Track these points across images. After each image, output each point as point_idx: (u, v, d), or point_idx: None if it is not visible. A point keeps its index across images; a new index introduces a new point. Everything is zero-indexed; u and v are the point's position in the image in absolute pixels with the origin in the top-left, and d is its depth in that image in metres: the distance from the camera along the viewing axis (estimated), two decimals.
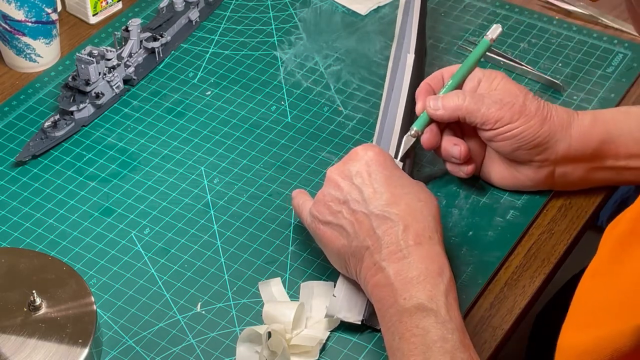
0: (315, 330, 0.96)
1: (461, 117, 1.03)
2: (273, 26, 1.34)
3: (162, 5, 1.32)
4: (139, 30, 1.24)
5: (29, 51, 1.25)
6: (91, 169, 1.14)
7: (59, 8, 1.28)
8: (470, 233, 1.06)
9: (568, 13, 1.35)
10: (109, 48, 1.20)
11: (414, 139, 1.05)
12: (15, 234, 1.06)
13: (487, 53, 1.26)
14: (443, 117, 1.04)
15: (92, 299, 0.94)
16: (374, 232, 0.91)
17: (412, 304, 0.86)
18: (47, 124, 1.16)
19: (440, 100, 1.04)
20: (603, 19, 1.33)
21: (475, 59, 1.07)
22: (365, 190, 0.93)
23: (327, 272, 1.02)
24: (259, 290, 1.00)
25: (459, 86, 1.07)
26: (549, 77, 1.23)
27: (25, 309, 0.92)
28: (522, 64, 1.25)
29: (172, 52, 1.29)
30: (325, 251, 0.97)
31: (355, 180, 0.93)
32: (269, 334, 0.92)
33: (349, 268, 0.94)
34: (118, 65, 1.21)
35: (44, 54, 1.26)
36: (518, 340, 1.17)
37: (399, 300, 0.86)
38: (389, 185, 0.93)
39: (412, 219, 0.91)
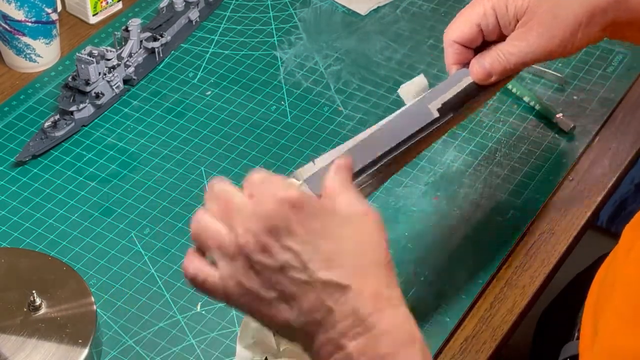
0: None
1: (510, 74, 0.93)
2: (273, 26, 1.34)
3: (162, 5, 1.32)
4: (139, 30, 1.24)
5: (29, 51, 1.25)
6: (91, 169, 1.14)
7: (59, 8, 1.28)
8: (471, 233, 1.06)
9: None
10: (109, 48, 1.20)
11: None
12: (15, 234, 1.06)
13: None
14: (497, 81, 0.93)
15: (92, 299, 0.94)
16: (323, 303, 0.72)
17: None
18: (47, 124, 1.16)
19: (487, 64, 0.92)
20: None
21: None
22: (301, 250, 0.72)
23: None
24: None
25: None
26: (552, 72, 1.23)
27: (25, 309, 0.92)
28: None
29: (172, 52, 1.29)
30: (265, 326, 0.77)
31: (287, 241, 0.71)
32: (261, 327, 0.92)
33: (298, 343, 0.76)
34: (118, 65, 1.21)
35: (44, 54, 1.26)
36: (519, 340, 1.18)
37: None
38: (325, 236, 0.72)
39: (363, 274, 0.72)
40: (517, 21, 0.92)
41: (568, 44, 0.91)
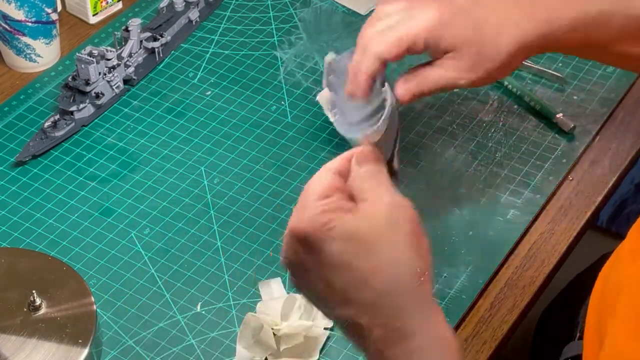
0: (315, 329, 0.96)
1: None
2: (273, 26, 1.34)
3: (162, 5, 1.32)
4: (139, 30, 1.24)
5: (29, 51, 1.25)
6: (91, 169, 1.14)
7: (59, 8, 1.28)
8: (470, 233, 1.06)
9: None
10: (109, 48, 1.20)
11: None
12: (15, 234, 1.06)
13: None
14: (430, 93, 0.93)
15: (92, 299, 0.94)
16: (347, 334, 0.75)
17: None
18: (47, 124, 1.16)
19: (412, 86, 0.91)
20: None
21: None
22: (320, 289, 0.73)
23: None
24: (259, 290, 1.00)
25: None
26: (552, 72, 1.23)
27: (25, 309, 0.92)
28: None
29: (172, 52, 1.29)
30: None
31: (306, 277, 0.74)
32: (261, 327, 0.92)
33: None
34: (118, 65, 1.21)
35: (44, 54, 1.26)
36: (520, 340, 1.18)
37: None
38: (342, 268, 0.71)
39: (376, 307, 0.71)
40: (446, 53, 0.91)
41: (496, 74, 0.91)
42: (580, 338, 0.97)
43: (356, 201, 0.74)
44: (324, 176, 0.76)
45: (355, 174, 0.76)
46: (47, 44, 1.25)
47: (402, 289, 0.72)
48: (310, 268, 0.72)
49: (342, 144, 1.16)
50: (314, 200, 0.73)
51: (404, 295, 0.72)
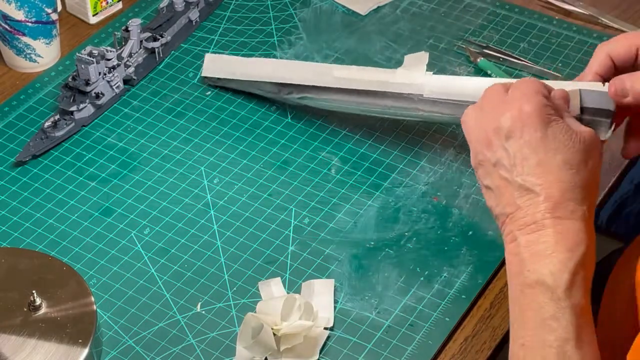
0: (315, 329, 0.96)
1: None
2: (273, 26, 1.34)
3: (162, 5, 1.32)
4: (139, 30, 1.24)
5: (29, 51, 1.25)
6: (91, 169, 1.14)
7: (59, 8, 1.28)
8: (470, 233, 1.06)
9: (568, 13, 1.35)
10: (109, 48, 1.20)
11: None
12: (15, 234, 1.06)
13: (488, 52, 1.26)
14: (630, 104, 0.94)
15: (92, 299, 0.94)
16: (515, 201, 0.87)
17: (533, 278, 0.83)
18: (47, 124, 1.16)
19: (628, 83, 0.93)
20: (603, 19, 1.33)
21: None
22: (515, 155, 0.87)
23: (327, 272, 1.02)
24: (259, 290, 1.00)
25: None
26: (552, 72, 1.23)
27: (25, 309, 0.92)
28: (524, 59, 1.25)
29: (172, 52, 1.29)
30: None
31: (507, 143, 0.88)
32: (261, 327, 0.92)
33: (496, 220, 0.92)
34: (118, 65, 1.21)
35: (44, 54, 1.26)
36: None
37: (523, 271, 0.84)
38: (539, 150, 0.86)
39: (556, 190, 0.85)
40: None
41: None
42: None
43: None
44: (538, 82, 0.90)
45: (556, 98, 0.90)
46: (47, 44, 1.25)
47: (590, 196, 0.87)
48: (522, 137, 0.87)
49: (342, 144, 1.16)
50: (540, 93, 0.89)
51: (587, 189, 0.86)
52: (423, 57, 1.13)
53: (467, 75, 1.24)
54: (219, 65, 1.23)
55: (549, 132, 0.87)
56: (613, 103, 0.93)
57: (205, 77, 1.23)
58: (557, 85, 0.95)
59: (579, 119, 0.92)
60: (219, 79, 1.22)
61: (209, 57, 1.24)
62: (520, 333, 0.84)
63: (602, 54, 0.97)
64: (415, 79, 1.09)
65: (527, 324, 0.83)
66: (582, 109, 0.94)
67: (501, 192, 0.88)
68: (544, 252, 0.84)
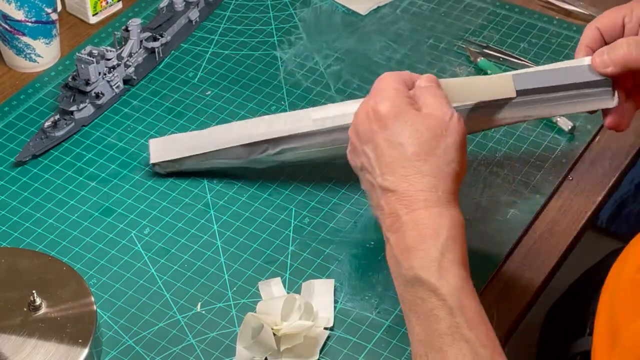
0: (315, 329, 0.96)
1: (633, 69, 0.95)
2: (273, 26, 1.34)
3: (162, 5, 1.32)
4: (139, 30, 1.24)
5: (29, 51, 1.25)
6: (91, 169, 1.14)
7: (59, 8, 1.28)
8: (470, 233, 1.06)
9: (568, 13, 1.35)
10: (109, 48, 1.20)
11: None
12: (15, 234, 1.06)
13: (488, 52, 1.26)
14: (613, 74, 0.95)
15: (92, 299, 0.94)
16: (379, 202, 0.89)
17: (410, 275, 0.85)
18: (47, 124, 1.16)
19: (606, 54, 0.95)
20: None
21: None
22: (371, 156, 0.89)
23: (327, 272, 1.02)
24: (259, 290, 1.00)
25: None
26: None
27: (25, 309, 0.92)
28: (524, 59, 1.25)
29: (172, 52, 1.29)
30: None
31: (364, 146, 0.90)
32: (261, 327, 0.92)
33: None
34: (118, 65, 1.21)
35: (44, 54, 1.26)
36: (522, 340, 1.18)
37: (401, 271, 0.86)
38: (389, 147, 0.88)
39: (406, 184, 0.87)
40: None
41: None
42: (590, 334, 0.98)
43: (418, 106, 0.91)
44: (394, 76, 0.92)
45: (419, 85, 0.92)
46: (47, 44, 1.25)
47: (442, 180, 0.87)
48: (374, 139, 0.88)
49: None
50: (392, 88, 0.90)
51: (442, 173, 0.88)
52: None
53: (467, 75, 1.24)
54: (169, 146, 1.11)
55: (396, 128, 0.88)
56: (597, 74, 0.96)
57: (155, 164, 1.11)
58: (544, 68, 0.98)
59: (587, 93, 0.96)
60: (173, 161, 1.10)
61: (154, 142, 1.12)
62: (415, 330, 0.84)
63: (591, 28, 0.99)
64: None
65: (417, 320, 0.84)
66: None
67: (370, 196, 0.91)
68: (411, 246, 0.85)
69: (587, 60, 0.97)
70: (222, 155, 1.08)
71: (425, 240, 0.85)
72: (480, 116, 0.98)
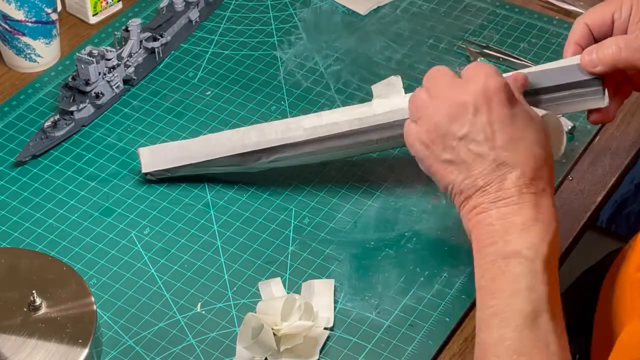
0: (315, 329, 0.96)
1: (621, 68, 0.96)
2: (273, 26, 1.34)
3: (162, 5, 1.32)
4: (139, 30, 1.24)
5: (29, 51, 1.25)
6: (91, 169, 1.14)
7: (59, 8, 1.28)
8: None
9: (568, 13, 1.35)
10: (109, 48, 1.20)
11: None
12: (15, 234, 1.06)
13: (488, 52, 1.26)
14: (602, 73, 0.96)
15: (92, 299, 0.94)
16: (488, 175, 0.87)
17: (510, 249, 0.84)
18: (47, 124, 1.16)
19: (595, 54, 0.95)
20: None
21: None
22: (486, 129, 0.88)
23: (327, 272, 1.02)
24: (259, 290, 1.00)
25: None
26: None
27: (25, 309, 0.92)
28: (524, 59, 1.25)
29: (172, 52, 1.29)
30: (430, 175, 0.94)
31: (475, 117, 0.88)
32: (261, 327, 0.92)
33: (451, 195, 0.92)
34: (118, 65, 1.21)
35: (44, 54, 1.26)
36: None
37: (498, 242, 0.85)
38: (509, 126, 0.88)
39: (529, 166, 0.87)
40: None
41: None
42: (590, 333, 0.98)
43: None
44: (491, 65, 0.92)
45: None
46: (47, 44, 1.25)
47: (545, 173, 0.88)
48: (494, 111, 0.88)
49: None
50: (497, 73, 0.90)
51: (549, 164, 0.89)
52: (396, 81, 1.05)
53: None
54: (160, 155, 1.10)
55: (515, 110, 0.88)
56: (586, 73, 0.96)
57: (148, 174, 1.10)
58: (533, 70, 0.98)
59: (577, 93, 0.96)
60: (166, 170, 1.10)
61: (143, 152, 1.10)
62: (491, 302, 0.84)
63: (580, 24, 0.99)
64: (397, 104, 1.03)
65: (500, 293, 0.84)
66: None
67: (470, 166, 0.88)
68: (521, 225, 0.85)
69: (576, 59, 0.97)
70: (215, 164, 1.08)
71: (538, 224, 0.85)
72: None
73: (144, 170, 1.10)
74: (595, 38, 0.98)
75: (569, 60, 0.98)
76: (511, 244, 0.84)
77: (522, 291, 0.83)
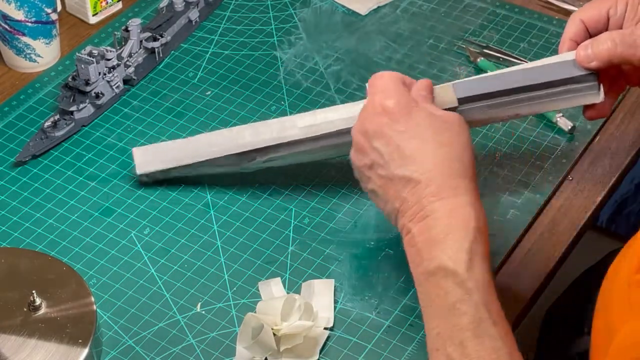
0: (315, 329, 0.96)
1: (617, 63, 0.96)
2: (273, 26, 1.34)
3: (162, 5, 1.32)
4: (139, 30, 1.24)
5: (29, 51, 1.25)
6: (91, 169, 1.14)
7: (59, 8, 1.28)
8: None
9: (568, 13, 1.35)
10: (109, 48, 1.20)
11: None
12: (15, 234, 1.06)
13: (488, 52, 1.26)
14: (597, 68, 0.96)
15: (92, 299, 0.94)
16: (399, 195, 0.88)
17: (434, 265, 0.84)
18: (47, 124, 1.16)
19: (590, 49, 0.95)
20: None
21: None
22: (385, 151, 0.89)
23: (327, 272, 1.02)
24: (259, 290, 1.00)
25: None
26: None
27: (25, 309, 0.92)
28: (524, 59, 1.25)
29: (172, 52, 1.29)
30: None
31: (375, 142, 0.90)
32: (261, 327, 0.92)
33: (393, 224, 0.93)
34: (118, 65, 1.21)
35: (44, 54, 1.26)
36: (522, 340, 1.17)
37: (423, 261, 0.85)
38: (407, 140, 0.89)
39: (434, 172, 0.87)
40: None
41: None
42: (589, 333, 0.98)
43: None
44: (393, 75, 0.94)
45: (418, 90, 0.94)
46: (47, 44, 1.25)
47: (469, 170, 0.88)
48: (387, 133, 0.89)
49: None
50: (395, 85, 0.92)
51: (462, 162, 0.88)
52: None
53: (467, 75, 1.24)
54: (154, 156, 1.09)
55: (412, 120, 0.89)
56: (579, 69, 0.96)
57: (142, 175, 1.10)
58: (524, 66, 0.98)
59: (573, 89, 0.96)
60: (162, 171, 1.09)
61: (138, 152, 1.10)
62: (433, 323, 0.84)
63: (575, 20, 0.99)
64: None
65: (437, 312, 0.83)
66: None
67: (385, 191, 0.90)
68: (437, 236, 0.84)
69: (571, 55, 0.97)
70: (210, 164, 1.08)
71: (454, 230, 0.84)
72: (470, 115, 0.98)
73: (137, 171, 1.09)
74: (591, 34, 0.98)
75: (564, 55, 0.98)
76: (434, 260, 0.84)
77: (455, 305, 0.82)
